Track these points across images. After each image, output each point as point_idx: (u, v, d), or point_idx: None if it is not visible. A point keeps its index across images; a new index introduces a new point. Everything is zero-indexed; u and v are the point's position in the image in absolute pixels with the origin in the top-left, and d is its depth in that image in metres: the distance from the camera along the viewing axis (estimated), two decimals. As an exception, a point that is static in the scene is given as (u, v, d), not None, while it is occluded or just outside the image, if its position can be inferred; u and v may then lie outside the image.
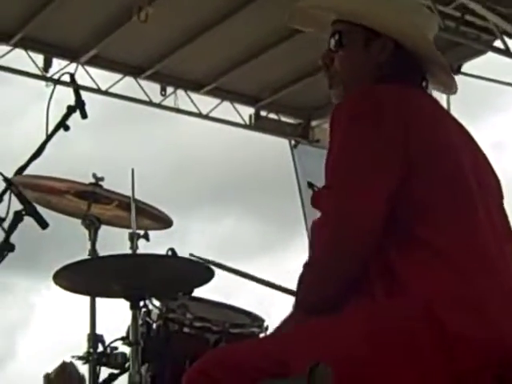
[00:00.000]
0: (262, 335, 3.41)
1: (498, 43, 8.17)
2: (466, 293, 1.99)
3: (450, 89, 2.45)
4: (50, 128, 3.02)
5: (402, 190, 2.06)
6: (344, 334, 1.98)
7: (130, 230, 3.47)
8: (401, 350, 1.92)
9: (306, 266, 2.13)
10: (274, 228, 11.66)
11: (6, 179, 2.98)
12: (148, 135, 11.11)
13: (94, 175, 3.76)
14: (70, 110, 3.13)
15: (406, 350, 1.92)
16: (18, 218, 2.88)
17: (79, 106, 3.15)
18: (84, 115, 3.16)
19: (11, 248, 2.84)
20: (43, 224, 2.95)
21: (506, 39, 8.08)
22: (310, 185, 2.93)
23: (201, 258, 3.37)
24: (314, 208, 2.17)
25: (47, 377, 5.60)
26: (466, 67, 8.12)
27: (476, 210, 2.12)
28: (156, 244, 3.69)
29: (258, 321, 3.47)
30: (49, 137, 3.07)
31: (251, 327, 3.43)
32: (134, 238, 3.45)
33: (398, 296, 1.99)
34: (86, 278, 3.15)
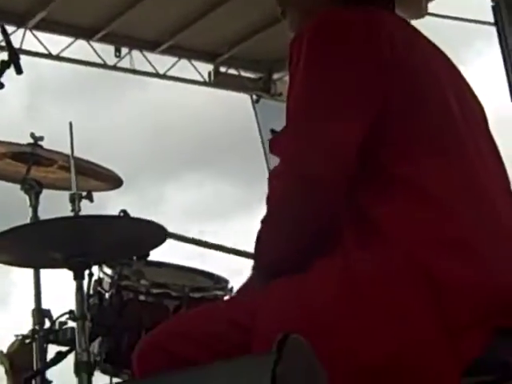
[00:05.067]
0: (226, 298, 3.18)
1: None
2: (454, 235, 1.76)
3: (419, 10, 2.20)
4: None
5: (378, 123, 1.80)
6: (315, 292, 1.74)
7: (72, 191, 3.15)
8: (382, 302, 1.68)
9: (262, 222, 1.85)
10: (246, 187, 11.57)
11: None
12: (115, 102, 11.00)
13: (32, 134, 3.45)
14: (4, 65, 2.94)
15: (388, 303, 1.68)
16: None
17: (13, 59, 2.94)
18: (18, 70, 2.95)
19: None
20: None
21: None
22: (273, 132, 2.71)
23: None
24: (271, 154, 1.89)
25: (6, 353, 5.37)
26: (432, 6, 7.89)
27: (465, 146, 1.89)
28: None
29: (221, 283, 3.23)
30: None
31: (214, 290, 3.19)
32: (75, 200, 3.12)
33: (375, 246, 1.74)
34: (23, 247, 2.81)
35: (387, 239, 1.74)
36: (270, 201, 1.85)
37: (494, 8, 8.08)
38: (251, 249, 1.93)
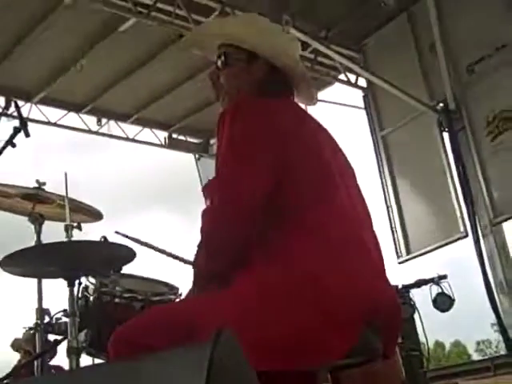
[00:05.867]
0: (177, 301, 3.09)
1: (342, 77, 8.08)
2: (334, 255, 1.75)
3: (312, 99, 2.17)
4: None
5: (279, 182, 1.80)
6: (235, 296, 1.72)
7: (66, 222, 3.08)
8: (282, 300, 1.67)
9: (197, 246, 1.84)
10: (186, 220, 11.49)
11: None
12: (98, 157, 10.89)
13: (37, 181, 3.34)
14: (16, 130, 2.86)
15: (285, 304, 1.67)
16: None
17: (23, 126, 2.86)
18: (27, 134, 2.86)
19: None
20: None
21: (348, 74, 8.03)
22: None
23: (124, 234, 3.05)
24: (203, 197, 1.89)
25: (18, 341, 5.19)
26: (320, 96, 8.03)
27: (340, 195, 1.88)
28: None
29: (174, 289, 3.14)
30: None
31: (169, 295, 3.09)
32: (68, 229, 3.08)
33: (277, 263, 1.73)
34: (29, 263, 2.74)
35: (285, 261, 1.73)
36: (201, 230, 1.82)
37: (363, 97, 8.25)
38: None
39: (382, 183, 7.77)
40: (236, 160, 1.81)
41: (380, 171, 7.82)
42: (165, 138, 9.43)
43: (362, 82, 8.14)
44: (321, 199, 1.82)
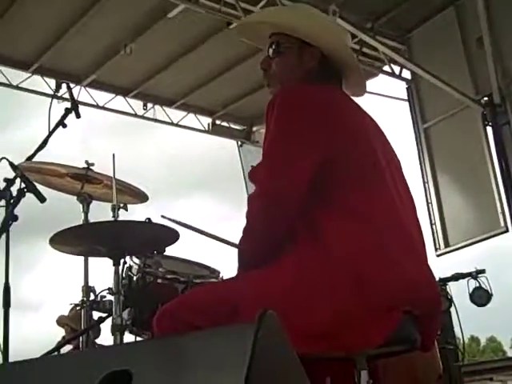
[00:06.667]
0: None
1: (386, 68, 8.02)
2: (376, 243, 1.75)
3: (362, 90, 2.15)
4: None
5: (326, 167, 1.80)
6: (277, 279, 1.74)
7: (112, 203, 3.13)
8: (322, 285, 1.68)
9: (243, 231, 1.85)
10: (227, 207, 11.52)
11: (11, 165, 2.75)
12: (143, 141, 11.00)
13: (86, 161, 3.40)
14: (67, 111, 2.92)
15: (325, 290, 1.68)
16: (20, 194, 2.62)
17: (74, 107, 2.92)
18: (78, 115, 2.92)
19: (15, 218, 2.58)
20: (42, 199, 2.69)
21: (393, 65, 7.95)
22: (253, 168, 2.73)
23: (170, 219, 3.05)
24: (250, 182, 1.91)
25: (64, 317, 5.30)
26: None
27: (386, 182, 1.87)
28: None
29: (215, 272, 3.17)
30: (50, 133, 2.85)
31: (210, 278, 3.11)
32: (115, 209, 3.12)
33: (319, 248, 1.74)
34: (77, 241, 2.79)
35: (327, 244, 1.74)
36: (248, 215, 1.84)
37: (407, 89, 8.16)
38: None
39: (423, 175, 7.69)
40: (284, 145, 1.82)
41: (421, 163, 7.73)
42: (208, 124, 9.44)
43: (406, 74, 8.04)
44: (367, 185, 1.82)
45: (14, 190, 2.60)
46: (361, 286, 1.66)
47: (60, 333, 5.31)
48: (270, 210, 1.79)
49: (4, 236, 2.62)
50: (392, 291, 1.68)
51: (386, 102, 8.69)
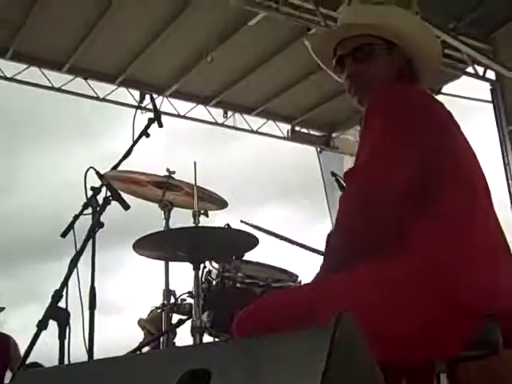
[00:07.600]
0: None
1: (469, 69, 7.80)
2: (466, 253, 1.70)
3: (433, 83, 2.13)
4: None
5: (421, 175, 1.77)
6: (362, 284, 1.71)
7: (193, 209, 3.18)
8: (409, 297, 1.64)
9: (332, 233, 1.83)
10: (307, 213, 11.47)
11: (98, 174, 2.80)
12: (223, 149, 11.11)
13: (168, 169, 3.49)
14: (150, 121, 2.97)
15: (412, 297, 1.64)
16: (106, 201, 2.69)
17: (157, 117, 2.97)
18: (160, 124, 2.98)
19: (101, 225, 2.63)
20: (126, 206, 2.75)
21: (476, 66, 7.73)
22: (333, 174, 2.79)
23: (249, 224, 3.10)
24: (346, 179, 1.89)
25: (142, 320, 5.42)
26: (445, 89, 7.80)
27: (479, 195, 1.85)
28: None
29: (293, 276, 3.18)
30: (134, 142, 2.90)
31: (288, 282, 3.14)
32: (195, 215, 3.18)
33: (409, 254, 1.71)
34: (159, 246, 2.86)
35: (419, 251, 1.71)
36: (339, 217, 1.81)
37: (491, 90, 7.91)
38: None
39: (508, 180, 7.43)
40: (393, 148, 1.78)
41: (506, 168, 7.48)
42: (288, 131, 9.46)
43: (490, 75, 7.81)
44: (464, 196, 1.79)
45: (100, 198, 2.67)
46: (443, 290, 1.64)
47: (141, 334, 5.42)
48: (364, 209, 1.76)
49: (90, 242, 2.70)
50: (474, 297, 1.65)
51: (467, 103, 8.45)
